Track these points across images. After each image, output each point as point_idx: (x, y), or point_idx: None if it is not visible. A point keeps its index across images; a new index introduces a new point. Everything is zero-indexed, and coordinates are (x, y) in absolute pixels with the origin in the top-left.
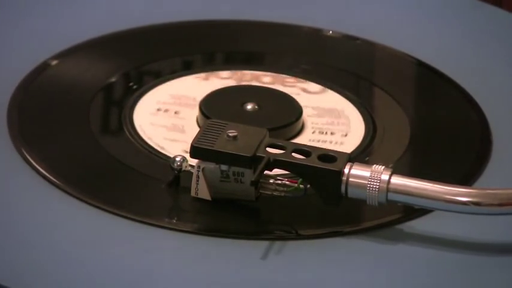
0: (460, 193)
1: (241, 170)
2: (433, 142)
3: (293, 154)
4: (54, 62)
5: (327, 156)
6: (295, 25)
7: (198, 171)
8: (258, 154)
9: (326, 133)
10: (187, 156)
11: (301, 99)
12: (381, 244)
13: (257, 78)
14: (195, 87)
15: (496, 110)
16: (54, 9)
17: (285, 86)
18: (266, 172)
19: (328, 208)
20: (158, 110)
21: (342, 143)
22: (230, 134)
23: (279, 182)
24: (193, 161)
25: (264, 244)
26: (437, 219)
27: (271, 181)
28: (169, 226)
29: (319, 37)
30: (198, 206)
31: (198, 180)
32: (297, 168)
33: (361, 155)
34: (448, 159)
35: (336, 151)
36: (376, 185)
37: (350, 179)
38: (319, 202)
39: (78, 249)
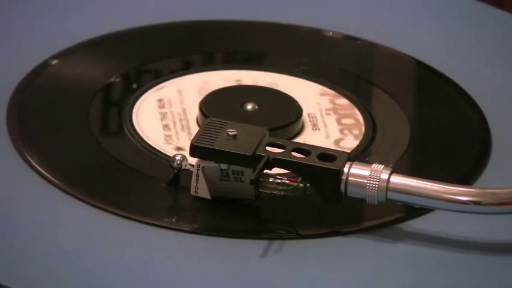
0: (460, 192)
1: (241, 168)
2: (433, 142)
3: (293, 153)
4: (54, 62)
5: (327, 155)
6: (295, 25)
7: (198, 170)
8: (257, 153)
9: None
10: (187, 155)
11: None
12: (381, 244)
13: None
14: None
15: (496, 110)
16: (54, 9)
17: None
18: (266, 171)
19: (327, 207)
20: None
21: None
22: (230, 133)
23: (279, 181)
24: (193, 160)
25: (263, 244)
26: (437, 219)
27: (270, 180)
28: (169, 225)
29: (319, 37)
30: (198, 205)
31: (197, 179)
32: (297, 167)
33: (361, 155)
34: (448, 159)
35: (336, 150)
36: (375, 184)
37: (350, 178)
38: (319, 201)
39: (78, 249)
